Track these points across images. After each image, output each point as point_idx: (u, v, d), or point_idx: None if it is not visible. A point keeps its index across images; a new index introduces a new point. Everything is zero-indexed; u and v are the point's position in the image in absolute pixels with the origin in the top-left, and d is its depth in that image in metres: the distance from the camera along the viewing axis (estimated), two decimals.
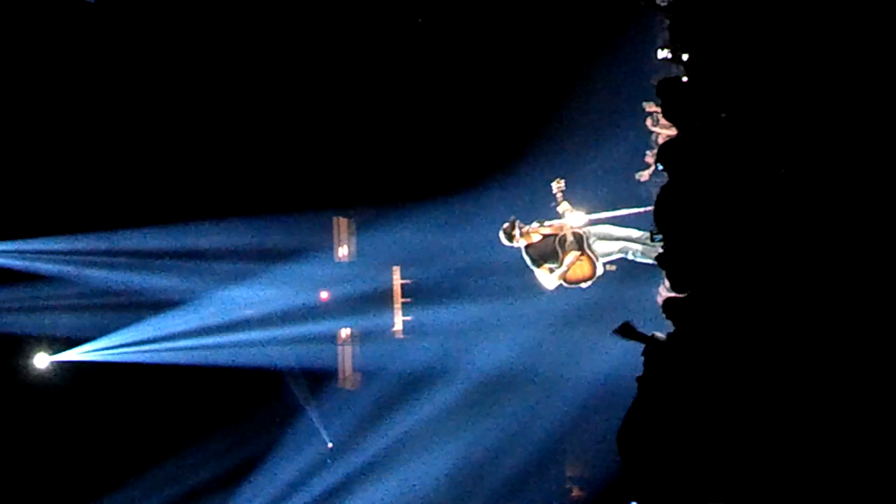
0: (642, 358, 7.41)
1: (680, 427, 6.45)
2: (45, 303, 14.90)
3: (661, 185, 11.16)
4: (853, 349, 6.07)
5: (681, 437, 6.42)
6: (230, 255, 15.55)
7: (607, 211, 11.00)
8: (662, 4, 10.32)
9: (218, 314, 15.24)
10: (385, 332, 15.88)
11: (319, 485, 15.33)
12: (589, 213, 10.91)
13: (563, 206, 10.71)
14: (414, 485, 15.04)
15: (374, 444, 15.32)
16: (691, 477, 6.35)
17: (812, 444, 6.00)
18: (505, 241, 10.81)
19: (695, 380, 6.59)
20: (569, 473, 15.28)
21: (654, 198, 8.00)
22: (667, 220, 7.28)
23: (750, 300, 6.55)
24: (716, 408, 6.34)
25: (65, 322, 14.97)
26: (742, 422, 6.22)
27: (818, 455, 5.97)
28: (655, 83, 12.16)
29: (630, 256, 10.90)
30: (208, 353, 14.95)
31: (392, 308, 15.90)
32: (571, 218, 10.75)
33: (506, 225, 10.72)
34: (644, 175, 12.45)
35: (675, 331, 7.36)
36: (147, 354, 14.79)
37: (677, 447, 6.42)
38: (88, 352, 14.83)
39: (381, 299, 15.89)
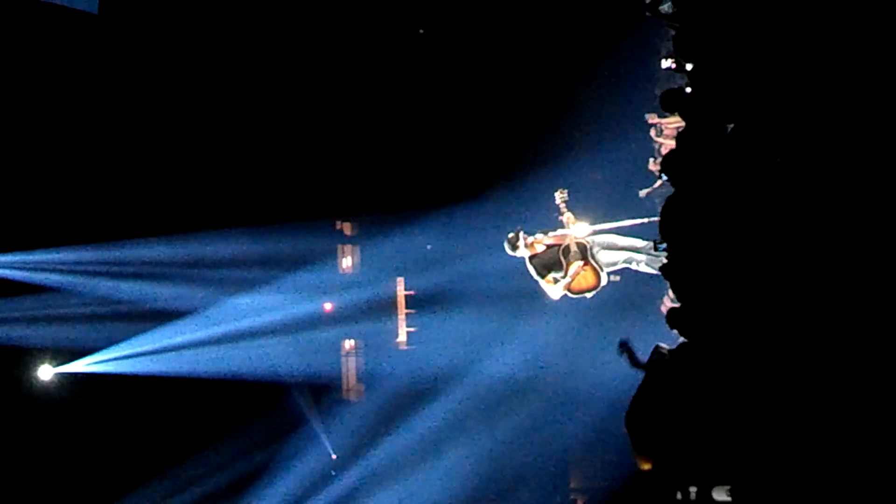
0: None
1: (686, 415, 6.47)
2: (49, 314, 14.90)
3: (665, 195, 11.17)
4: (853, 355, 6.11)
5: (687, 425, 6.44)
6: (234, 266, 15.54)
7: (611, 221, 10.99)
8: (667, 13, 10.31)
9: (222, 325, 15.22)
10: (389, 343, 15.87)
11: (323, 496, 15.30)
12: (593, 223, 10.90)
13: (567, 217, 10.70)
14: (417, 496, 15.01)
15: (378, 456, 15.29)
16: (698, 458, 6.37)
17: (813, 441, 6.03)
18: (509, 252, 10.80)
19: (700, 383, 6.60)
20: (573, 485, 15.25)
21: (658, 209, 7.99)
22: (672, 230, 7.27)
23: (753, 311, 6.55)
24: (722, 400, 6.37)
25: (68, 333, 14.96)
26: (746, 413, 6.25)
27: (819, 449, 6.00)
28: (659, 93, 12.17)
29: (634, 267, 10.89)
30: (212, 363, 14.94)
31: (396, 319, 15.88)
32: (575, 228, 10.73)
33: (510, 235, 10.72)
34: (645, 192, 12.45)
35: (679, 341, 7.36)
36: (151, 365, 14.77)
37: (684, 433, 6.44)
38: (92, 363, 14.82)
39: (384, 310, 15.87)
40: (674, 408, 6.56)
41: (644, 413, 6.69)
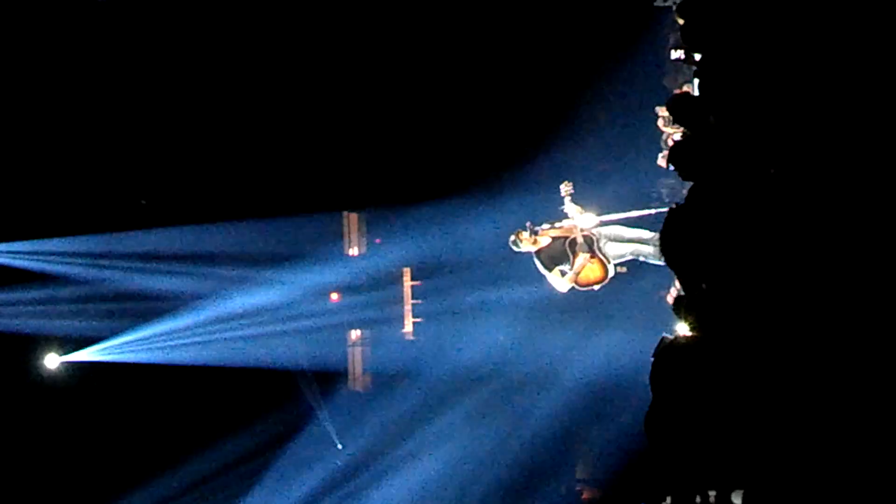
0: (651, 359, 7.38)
1: (700, 416, 6.42)
2: (57, 303, 14.93)
3: (673, 186, 11.12)
4: (854, 342, 6.07)
5: (701, 427, 6.39)
6: (242, 255, 15.56)
7: (618, 212, 10.95)
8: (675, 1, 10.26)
9: (229, 314, 15.23)
10: (396, 334, 15.86)
11: (329, 486, 15.31)
12: (599, 214, 10.86)
13: (573, 209, 10.66)
14: (423, 486, 15.01)
15: (385, 446, 15.29)
16: (715, 462, 6.32)
17: (826, 436, 5.99)
18: (515, 249, 10.78)
19: (714, 380, 6.56)
20: (578, 475, 15.23)
21: (666, 199, 7.94)
22: (675, 237, 7.18)
23: (760, 300, 6.50)
24: (735, 399, 6.32)
25: (75, 322, 14.99)
26: (760, 412, 6.20)
27: (833, 446, 5.95)
28: (668, 84, 12.10)
29: (642, 259, 10.85)
30: (219, 353, 14.95)
31: (403, 309, 15.87)
32: (582, 220, 10.69)
33: (512, 237, 10.69)
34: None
35: (687, 330, 7.32)
36: (158, 355, 14.80)
37: (700, 436, 6.39)
38: (99, 352, 14.85)
39: (391, 300, 15.86)
40: (691, 409, 6.49)
41: (663, 416, 6.61)
